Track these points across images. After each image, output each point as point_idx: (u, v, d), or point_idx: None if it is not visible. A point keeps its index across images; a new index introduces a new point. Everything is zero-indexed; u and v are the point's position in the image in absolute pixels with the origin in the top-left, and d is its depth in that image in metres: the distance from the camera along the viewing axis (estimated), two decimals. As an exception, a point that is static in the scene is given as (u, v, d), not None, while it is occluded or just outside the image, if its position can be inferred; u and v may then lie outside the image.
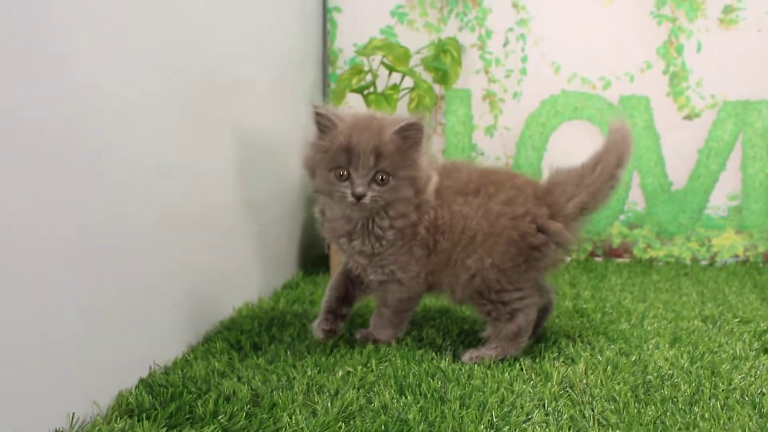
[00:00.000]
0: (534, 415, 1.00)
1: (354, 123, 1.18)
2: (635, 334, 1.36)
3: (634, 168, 2.02)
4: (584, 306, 1.54)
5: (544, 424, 0.97)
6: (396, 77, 1.83)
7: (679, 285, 1.78)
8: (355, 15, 2.02)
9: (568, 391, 1.08)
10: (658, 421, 0.98)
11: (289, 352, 1.22)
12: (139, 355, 1.11)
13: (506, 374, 1.14)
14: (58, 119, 0.90)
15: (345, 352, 1.23)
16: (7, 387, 0.81)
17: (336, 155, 1.16)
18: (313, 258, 1.96)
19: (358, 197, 1.16)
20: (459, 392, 1.06)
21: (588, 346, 1.29)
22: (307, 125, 1.89)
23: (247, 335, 1.30)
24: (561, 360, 1.22)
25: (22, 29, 0.83)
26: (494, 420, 0.97)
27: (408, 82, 1.84)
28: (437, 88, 2.00)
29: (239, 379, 1.10)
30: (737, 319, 1.47)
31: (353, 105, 2.00)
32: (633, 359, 1.22)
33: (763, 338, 1.35)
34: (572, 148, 1.94)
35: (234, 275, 1.49)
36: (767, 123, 1.97)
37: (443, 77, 1.89)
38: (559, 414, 1.00)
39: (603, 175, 1.23)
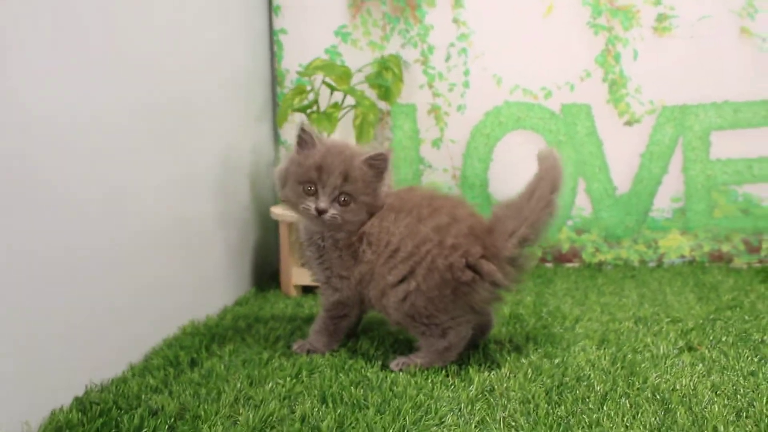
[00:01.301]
0: (447, 418, 1.04)
1: (330, 146, 1.30)
2: (565, 337, 1.40)
3: (579, 174, 2.06)
4: (521, 312, 1.58)
5: (454, 427, 1.01)
6: (338, 96, 1.88)
7: (623, 287, 1.82)
8: (300, 36, 2.06)
9: (486, 395, 1.12)
10: (563, 421, 1.02)
11: (223, 367, 1.26)
12: (78, 375, 1.15)
13: (429, 381, 1.19)
14: (21, 152, 0.96)
15: (278, 365, 1.27)
16: None
17: (308, 170, 1.27)
18: (266, 274, 2.00)
19: (320, 212, 1.27)
20: (379, 399, 1.10)
21: (515, 350, 1.33)
22: (257, 144, 1.96)
23: (187, 351, 1.33)
24: (487, 365, 1.26)
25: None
26: (406, 424, 1.01)
27: (351, 100, 1.88)
28: (383, 104, 2.04)
29: (170, 394, 1.14)
30: (669, 319, 1.51)
31: (292, 120, 2.04)
32: (556, 362, 1.26)
33: (688, 336, 1.39)
34: (517, 157, 1.99)
35: (182, 294, 1.52)
36: (705, 126, 2.02)
37: (386, 93, 1.93)
38: (472, 416, 1.04)
39: (540, 202, 1.23)
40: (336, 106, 1.83)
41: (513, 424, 1.02)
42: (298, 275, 1.81)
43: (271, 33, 2.09)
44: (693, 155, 2.04)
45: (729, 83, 2.01)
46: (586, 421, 1.02)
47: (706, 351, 1.31)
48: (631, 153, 2.06)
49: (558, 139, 2.05)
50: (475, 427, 1.01)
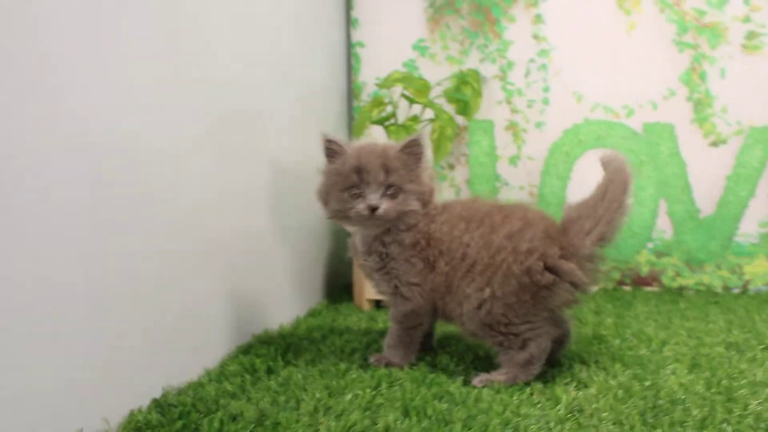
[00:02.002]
0: (537, 436, 0.99)
1: (361, 146, 1.29)
2: (653, 359, 1.34)
3: (661, 195, 2.00)
4: (603, 333, 1.53)
5: (545, 446, 0.96)
6: (417, 109, 1.86)
7: (707, 313, 1.75)
8: (378, 49, 2.06)
9: (575, 415, 1.07)
10: (662, 444, 0.97)
11: (300, 376, 1.24)
12: (155, 378, 1.14)
13: (515, 398, 1.14)
14: (106, 166, 0.97)
15: (357, 377, 1.24)
16: (19, 399, 0.84)
17: (348, 176, 1.26)
18: (338, 287, 1.98)
19: (373, 209, 1.24)
20: (464, 414, 1.06)
21: (602, 371, 1.28)
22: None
23: (263, 359, 1.32)
24: (573, 385, 1.21)
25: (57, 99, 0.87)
26: (495, 441, 0.97)
27: (429, 113, 1.86)
28: (460, 119, 2.01)
29: (248, 400, 1.12)
30: (762, 346, 1.44)
31: (376, 137, 2.03)
32: (647, 384, 1.20)
33: (786, 364, 1.32)
34: (597, 176, 1.93)
35: (257, 303, 1.51)
36: (796, 148, 1.94)
37: (464, 108, 1.91)
38: (563, 436, 0.99)
39: (613, 203, 1.21)
40: (415, 119, 1.82)
41: (608, 445, 0.97)
42: (371, 289, 1.78)
43: (349, 46, 2.08)
44: (782, 178, 1.96)
45: (822, 104, 1.93)
46: (687, 445, 0.96)
47: (807, 381, 1.23)
48: (716, 175, 1.99)
49: (640, 158, 2.00)
50: (568, 446, 0.96)
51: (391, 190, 1.25)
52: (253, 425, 1.02)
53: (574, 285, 1.22)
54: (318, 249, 1.86)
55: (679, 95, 1.98)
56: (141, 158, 1.10)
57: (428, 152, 1.31)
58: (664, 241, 2.02)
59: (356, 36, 2.07)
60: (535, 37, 2.01)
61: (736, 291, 1.99)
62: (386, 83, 1.82)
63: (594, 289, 1.27)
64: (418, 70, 2.04)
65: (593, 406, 1.10)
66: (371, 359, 1.33)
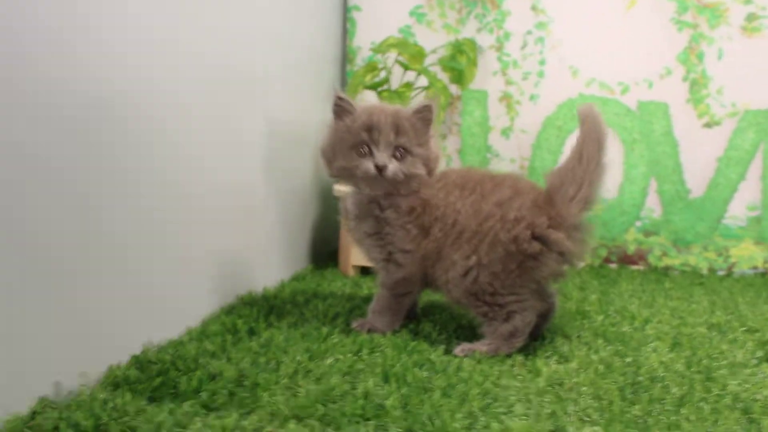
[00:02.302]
0: (516, 408, 0.99)
1: (372, 106, 1.28)
2: (635, 337, 1.34)
3: (652, 174, 1.99)
4: (587, 308, 1.53)
5: (524, 417, 0.96)
6: (411, 76, 1.84)
7: (692, 293, 1.75)
8: (374, 14, 2.03)
9: (555, 388, 1.07)
10: (640, 420, 0.97)
11: (282, 338, 1.23)
12: (136, 334, 1.13)
13: (495, 369, 1.14)
14: (97, 125, 0.94)
15: (338, 341, 1.23)
16: (-12, 351, 0.83)
17: (358, 133, 1.24)
18: (324, 253, 1.97)
19: (380, 168, 1.23)
20: (443, 383, 1.05)
21: (584, 346, 1.28)
22: (324, 122, 1.92)
23: (245, 320, 1.31)
24: (555, 358, 1.21)
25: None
26: (473, 410, 0.97)
27: (423, 81, 1.84)
28: (453, 89, 1.99)
29: (228, 360, 1.11)
30: (744, 328, 1.44)
31: (362, 99, 2.01)
32: (628, 360, 1.20)
33: (767, 347, 1.32)
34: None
35: (241, 264, 1.50)
36: (789, 133, 1.93)
37: (459, 77, 1.89)
38: (541, 408, 0.99)
39: (590, 164, 1.21)
40: (408, 85, 1.80)
41: (587, 419, 0.96)
42: (357, 255, 1.77)
43: (345, 10, 2.05)
44: (774, 163, 1.95)
45: (819, 89, 1.92)
46: (665, 422, 0.96)
47: (788, 364, 1.24)
48: (708, 156, 1.99)
49: (632, 136, 1.99)
50: (546, 419, 0.96)
51: (400, 152, 1.25)
52: (232, 385, 1.01)
53: (562, 255, 1.22)
54: (306, 213, 1.85)
55: (675, 74, 1.96)
56: (133, 114, 1.08)
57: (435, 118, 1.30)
58: (653, 220, 2.01)
59: (352, 0, 2.04)
60: (534, 9, 1.99)
61: (722, 273, 2.00)
62: (381, 48, 1.80)
63: (581, 263, 1.27)
64: (414, 37, 2.01)
65: (573, 380, 1.10)
66: (354, 324, 1.32)
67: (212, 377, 1.04)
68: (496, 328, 1.23)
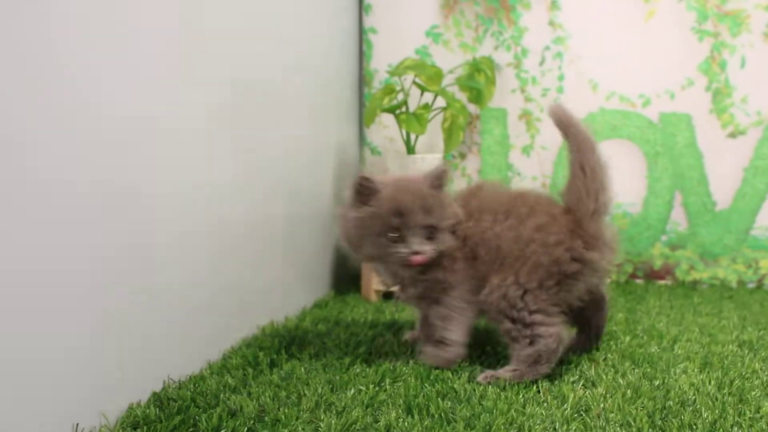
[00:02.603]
0: (541, 438, 0.97)
1: (394, 185, 1.24)
2: (663, 358, 1.31)
3: (677, 187, 1.96)
4: (614, 328, 1.50)
5: (550, 448, 0.94)
6: (429, 97, 1.83)
7: (721, 308, 1.71)
8: (390, 36, 2.02)
9: (582, 414, 1.05)
10: (670, 448, 0.94)
11: (303, 369, 1.22)
12: (155, 371, 1.13)
13: (520, 396, 1.12)
14: (103, 148, 0.95)
15: (360, 371, 1.22)
16: (16, 393, 0.83)
17: (388, 218, 1.20)
18: (346, 276, 1.96)
19: (417, 254, 1.21)
20: (467, 413, 1.04)
21: (611, 369, 1.25)
22: (342, 145, 1.93)
23: (266, 352, 1.30)
24: (581, 383, 1.18)
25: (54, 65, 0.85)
26: (498, 442, 0.95)
27: (441, 102, 1.83)
28: (472, 108, 1.98)
29: (249, 394, 1.10)
30: (777, 344, 1.41)
31: (387, 125, 2.01)
32: (656, 384, 1.17)
33: (801, 365, 1.29)
34: (611, 167, 1.90)
35: (261, 294, 1.49)
36: (817, 140, 1.89)
37: (477, 96, 1.87)
38: (568, 437, 0.97)
39: (594, 171, 1.23)
40: (426, 107, 1.79)
41: (614, 448, 0.94)
42: (378, 280, 1.76)
43: (361, 32, 2.05)
44: (802, 171, 1.91)
45: None
46: (696, 450, 0.93)
47: (823, 382, 1.20)
48: (734, 167, 1.95)
49: (655, 149, 1.96)
50: (573, 449, 0.94)
51: (431, 231, 1.22)
52: (252, 421, 1.00)
53: (595, 271, 1.25)
54: (326, 238, 1.84)
55: (697, 85, 1.93)
56: (151, 141, 1.08)
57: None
58: (679, 234, 1.98)
59: (368, 22, 2.04)
60: (551, 24, 1.97)
61: (752, 286, 1.95)
62: (398, 71, 1.79)
63: (611, 270, 1.32)
64: (431, 57, 2.00)
65: (601, 405, 1.08)
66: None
67: (232, 414, 1.03)
68: (519, 351, 1.21)
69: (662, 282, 1.99)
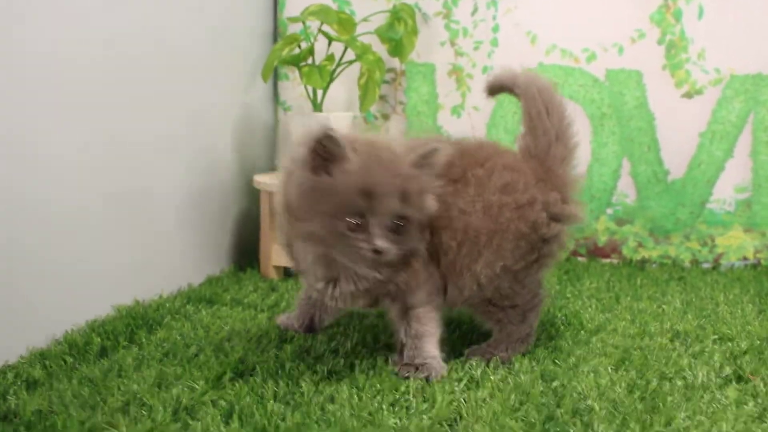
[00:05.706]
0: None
1: (369, 156, 0.93)
2: (576, 353, 1.11)
3: (624, 153, 1.76)
4: (529, 315, 1.29)
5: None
6: (339, 50, 1.61)
7: (665, 291, 1.51)
8: (307, -19, 1.80)
9: (444, 426, 0.84)
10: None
11: (133, 361, 1.02)
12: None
13: (376, 400, 0.91)
14: None
15: (204, 361, 1.02)
16: None
17: (350, 197, 0.91)
18: (249, 251, 1.74)
19: (379, 253, 0.93)
20: (298, 420, 0.83)
21: (506, 366, 1.05)
22: (250, 104, 1.71)
23: (105, 337, 1.12)
24: (464, 383, 0.98)
25: None
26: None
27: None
28: (396, 62, 1.77)
29: (49, 391, 0.90)
30: (716, 336, 1.21)
31: (294, 77, 1.80)
32: (554, 386, 0.97)
33: (738, 361, 1.08)
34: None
35: (133, 269, 1.33)
36: (782, 101, 1.69)
37: (397, 48, 1.66)
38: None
39: (561, 110, 1.13)
40: (330, 58, 1.57)
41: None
42: (279, 255, 1.55)
43: (273, -23, 1.83)
44: (765, 136, 1.72)
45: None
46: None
47: (761, 384, 0.99)
48: (689, 131, 1.75)
49: (601, 110, 1.75)
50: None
51: (400, 224, 0.94)
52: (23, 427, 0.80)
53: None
54: (226, 208, 1.64)
55: (648, 38, 1.73)
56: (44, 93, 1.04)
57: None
58: (626, 207, 1.78)
59: (282, -35, 1.82)
60: (485, -33, 1.75)
61: (707, 266, 1.75)
62: (300, 17, 1.57)
63: None
64: (350, 5, 1.78)
65: (475, 414, 0.87)
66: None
67: (3, 417, 0.83)
68: (511, 332, 1.10)
69: (607, 260, 1.79)
